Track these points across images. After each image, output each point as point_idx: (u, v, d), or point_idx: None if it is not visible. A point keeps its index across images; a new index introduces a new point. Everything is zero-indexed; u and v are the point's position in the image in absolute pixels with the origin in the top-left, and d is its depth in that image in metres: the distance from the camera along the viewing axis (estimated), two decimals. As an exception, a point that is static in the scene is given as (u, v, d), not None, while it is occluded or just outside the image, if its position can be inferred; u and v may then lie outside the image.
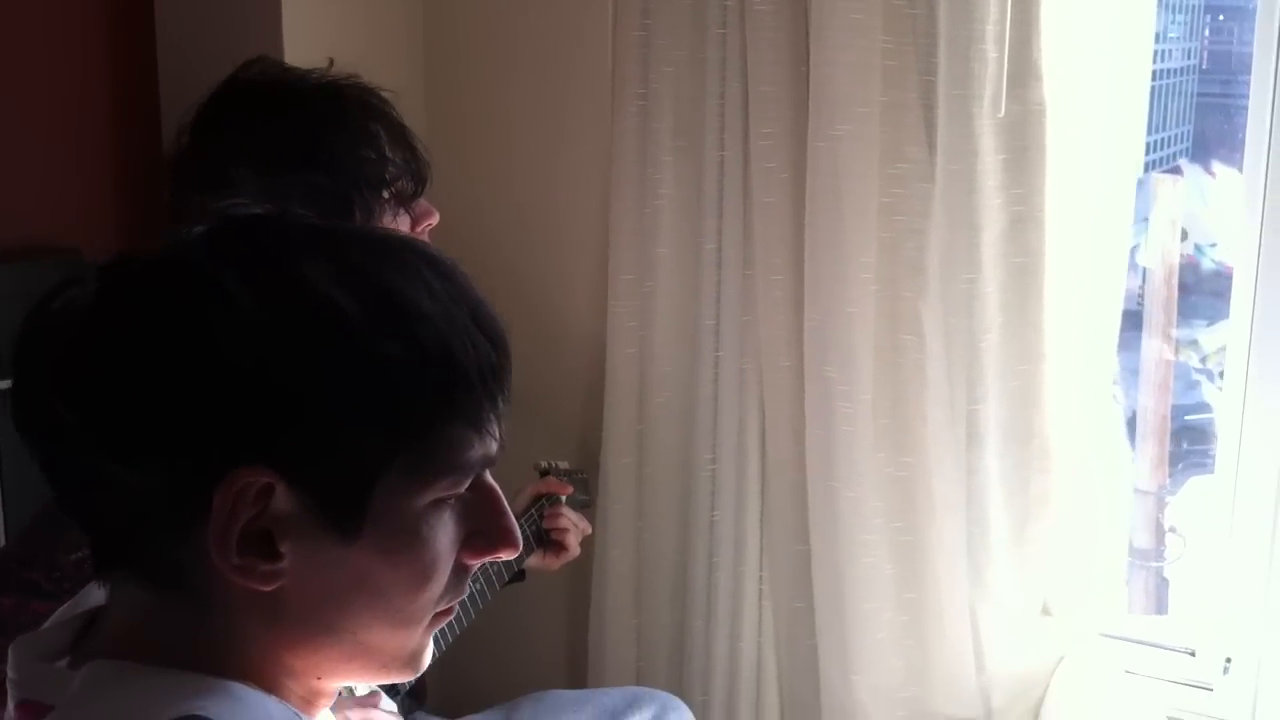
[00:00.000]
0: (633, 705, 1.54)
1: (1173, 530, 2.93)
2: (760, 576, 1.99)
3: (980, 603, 1.87)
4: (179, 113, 1.86)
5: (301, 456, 0.71)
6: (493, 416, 0.76)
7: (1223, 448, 1.86)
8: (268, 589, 0.73)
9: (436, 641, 0.83)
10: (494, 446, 0.77)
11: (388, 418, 0.72)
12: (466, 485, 0.77)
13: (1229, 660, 1.89)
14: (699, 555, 1.99)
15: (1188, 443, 3.25)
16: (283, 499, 0.71)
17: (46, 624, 0.87)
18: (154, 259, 0.75)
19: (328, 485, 0.72)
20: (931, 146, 1.73)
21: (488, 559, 0.80)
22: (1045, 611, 1.93)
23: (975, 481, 1.82)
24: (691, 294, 1.91)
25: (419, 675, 0.82)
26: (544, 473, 1.87)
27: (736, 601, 1.98)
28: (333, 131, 1.39)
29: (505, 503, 0.80)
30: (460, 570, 0.79)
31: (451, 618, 0.83)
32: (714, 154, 1.87)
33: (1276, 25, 1.70)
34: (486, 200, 2.00)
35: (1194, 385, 3.48)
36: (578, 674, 2.08)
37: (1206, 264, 3.39)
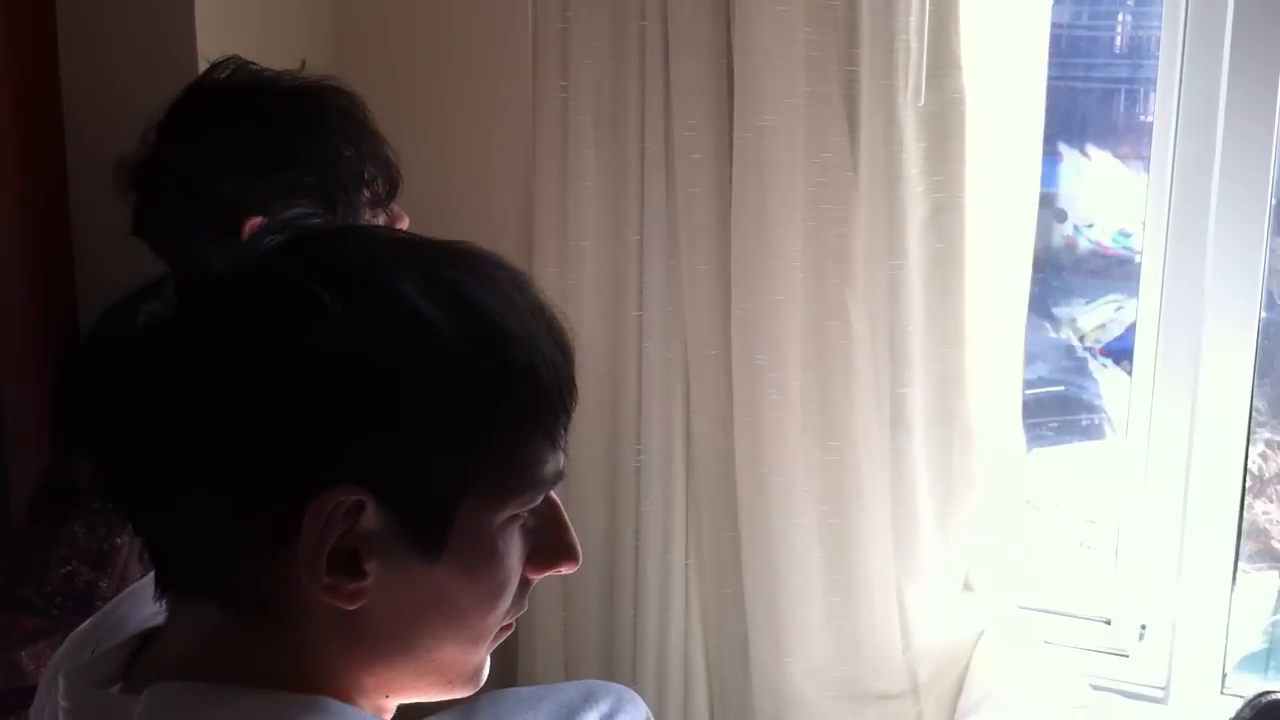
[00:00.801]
0: (588, 700, 1.55)
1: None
2: (687, 565, 2.00)
3: (906, 582, 1.91)
4: (84, 117, 1.83)
5: (392, 473, 0.70)
6: (565, 431, 0.76)
7: (1133, 422, 1.93)
8: (351, 608, 0.72)
9: None
10: (564, 461, 0.77)
11: (476, 433, 0.72)
12: (540, 500, 0.77)
13: (1144, 627, 1.96)
14: (626, 546, 2.00)
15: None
16: (371, 517, 0.71)
17: (64, 647, 0.85)
18: (239, 273, 0.72)
19: (415, 502, 0.72)
20: (853, 136, 1.76)
21: (550, 574, 0.80)
22: (967, 587, 1.98)
23: (901, 464, 1.86)
24: (617, 285, 1.92)
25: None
26: None
27: (664, 591, 1.99)
28: (312, 130, 1.37)
29: (566, 517, 0.80)
30: (524, 586, 0.79)
31: (510, 633, 0.82)
32: (636, 145, 1.87)
33: (1182, 10, 1.76)
34: (406, 197, 1.97)
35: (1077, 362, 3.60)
36: (507, 666, 2.07)
37: (1084, 244, 3.50)
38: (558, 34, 1.85)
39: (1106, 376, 3.59)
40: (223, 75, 1.40)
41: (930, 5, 1.69)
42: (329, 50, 1.92)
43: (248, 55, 1.79)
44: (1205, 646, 1.91)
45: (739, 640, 1.98)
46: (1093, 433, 3.44)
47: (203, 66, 1.72)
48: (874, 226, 1.78)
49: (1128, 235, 3.70)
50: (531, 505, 0.76)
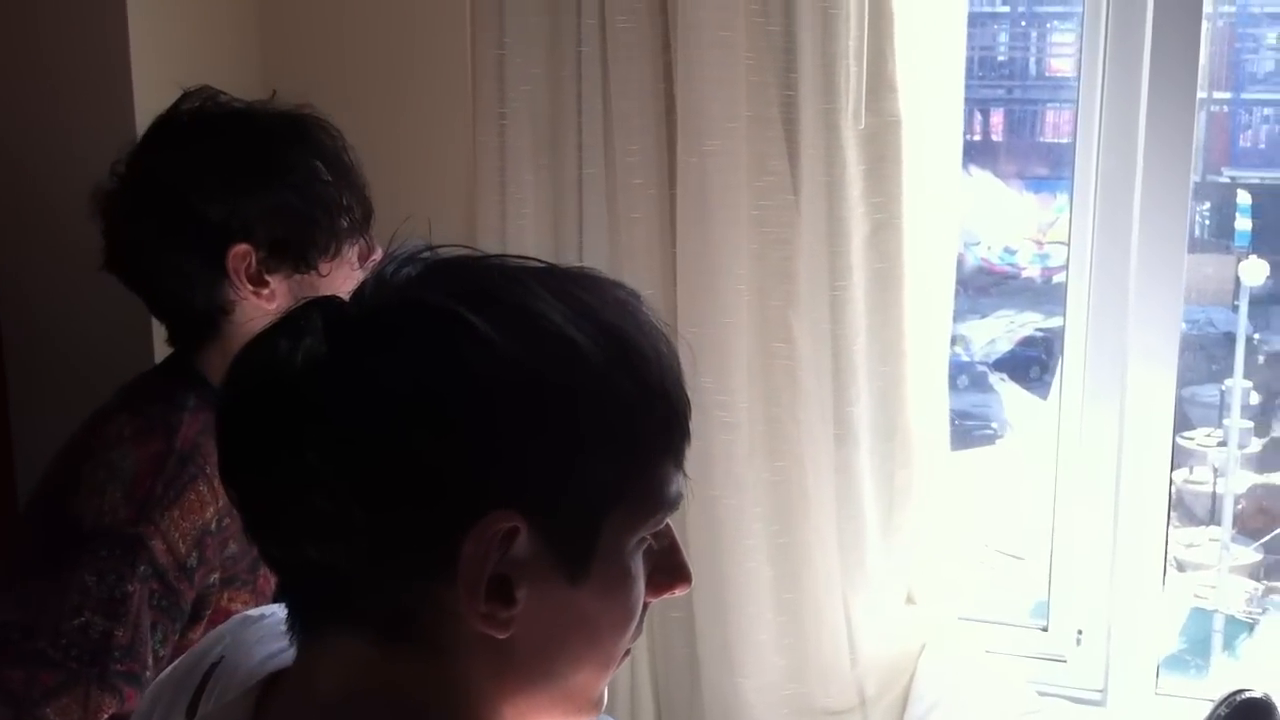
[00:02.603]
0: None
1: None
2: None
3: (853, 596, 1.94)
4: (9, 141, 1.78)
5: (545, 497, 0.71)
6: (686, 451, 0.78)
7: (1064, 433, 1.99)
8: (503, 636, 0.71)
9: None
10: (684, 482, 0.78)
11: (622, 455, 0.72)
12: (664, 523, 0.77)
13: (1080, 632, 2.01)
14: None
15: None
16: (523, 543, 0.71)
17: (147, 703, 0.82)
18: (385, 304, 0.72)
19: (565, 526, 0.72)
20: (793, 159, 1.79)
21: (665, 596, 0.80)
22: (909, 600, 2.02)
23: (846, 479, 1.88)
24: (559, 312, 1.91)
25: None
26: None
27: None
28: (294, 153, 1.35)
29: (679, 539, 0.81)
30: (644, 609, 0.78)
31: (628, 659, 0.82)
32: (574, 172, 1.88)
33: (1101, 34, 1.83)
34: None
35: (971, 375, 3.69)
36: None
37: (971, 261, 3.61)
38: (495, 59, 1.85)
39: (1003, 390, 3.70)
40: (196, 104, 1.37)
41: (869, 29, 1.72)
42: (258, 79, 1.88)
43: (177, 77, 1.77)
44: (1139, 649, 1.97)
45: (688, 662, 1.98)
46: (992, 442, 3.54)
47: (140, 89, 1.71)
48: (815, 247, 1.81)
49: (1013, 252, 3.83)
50: (658, 527, 0.77)
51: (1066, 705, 1.97)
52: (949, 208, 1.91)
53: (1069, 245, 1.95)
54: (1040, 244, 3.66)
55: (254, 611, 0.91)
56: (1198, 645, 2.37)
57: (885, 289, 1.84)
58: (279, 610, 0.85)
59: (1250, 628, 2.65)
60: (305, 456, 0.70)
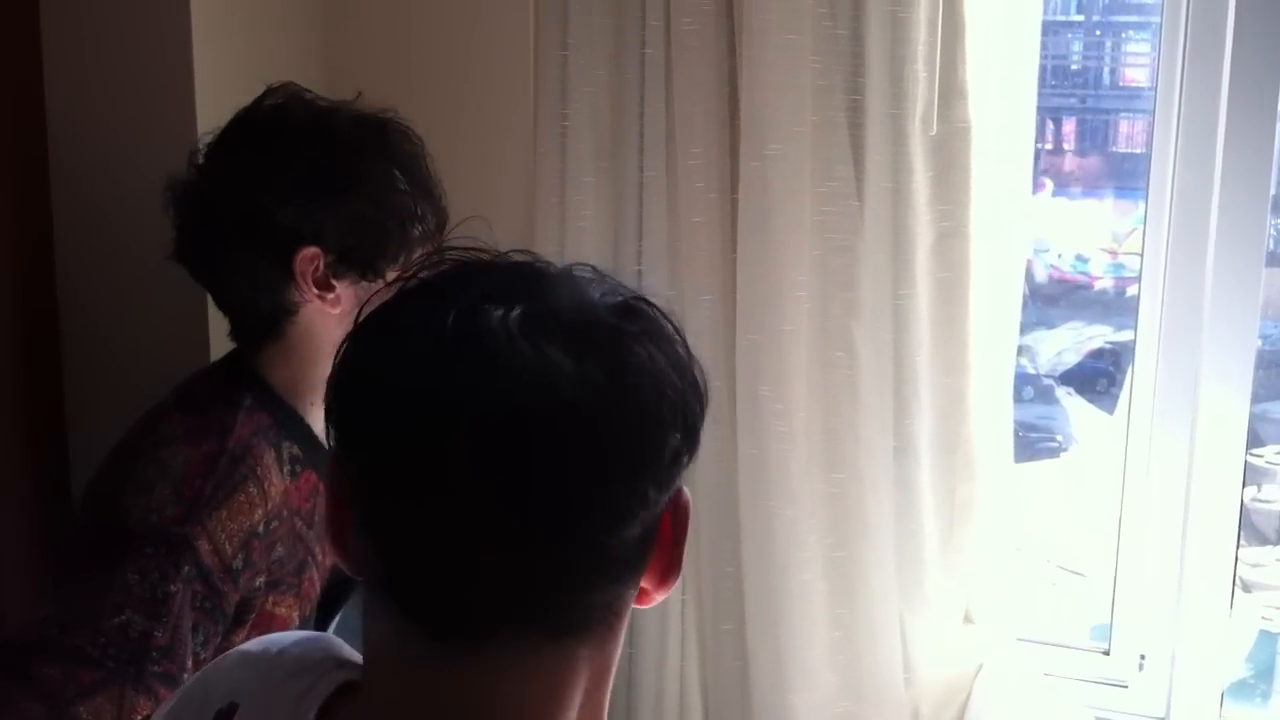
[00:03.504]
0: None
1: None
2: (683, 601, 1.97)
3: (909, 614, 1.90)
4: (71, 127, 1.78)
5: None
6: None
7: (1132, 450, 1.93)
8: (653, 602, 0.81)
9: None
10: None
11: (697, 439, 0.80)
12: None
13: (1143, 657, 1.96)
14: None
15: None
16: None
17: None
18: (572, 320, 0.75)
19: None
20: (858, 164, 1.76)
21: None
22: (967, 619, 1.97)
23: (905, 494, 1.84)
24: (617, 317, 1.89)
25: None
26: None
27: (661, 630, 1.95)
28: (372, 161, 1.33)
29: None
30: None
31: None
32: (635, 175, 1.85)
33: (1180, 43, 1.78)
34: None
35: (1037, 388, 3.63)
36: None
37: (1040, 269, 3.54)
38: (558, 61, 1.83)
39: (1070, 404, 3.63)
40: (279, 100, 1.36)
41: (941, 34, 1.69)
42: (321, 79, 1.87)
43: (239, 80, 1.77)
44: (1204, 675, 1.91)
45: (738, 677, 1.95)
46: (1055, 455, 3.47)
47: (201, 92, 1.70)
48: (879, 255, 1.77)
49: (1085, 260, 3.76)
50: None
51: (1124, 732, 1.92)
52: (1018, 217, 1.87)
53: (1142, 257, 1.90)
54: (1114, 254, 3.60)
55: (251, 647, 0.88)
56: (1264, 671, 2.30)
57: (950, 299, 1.80)
58: (279, 641, 0.87)
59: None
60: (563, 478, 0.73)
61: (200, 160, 1.35)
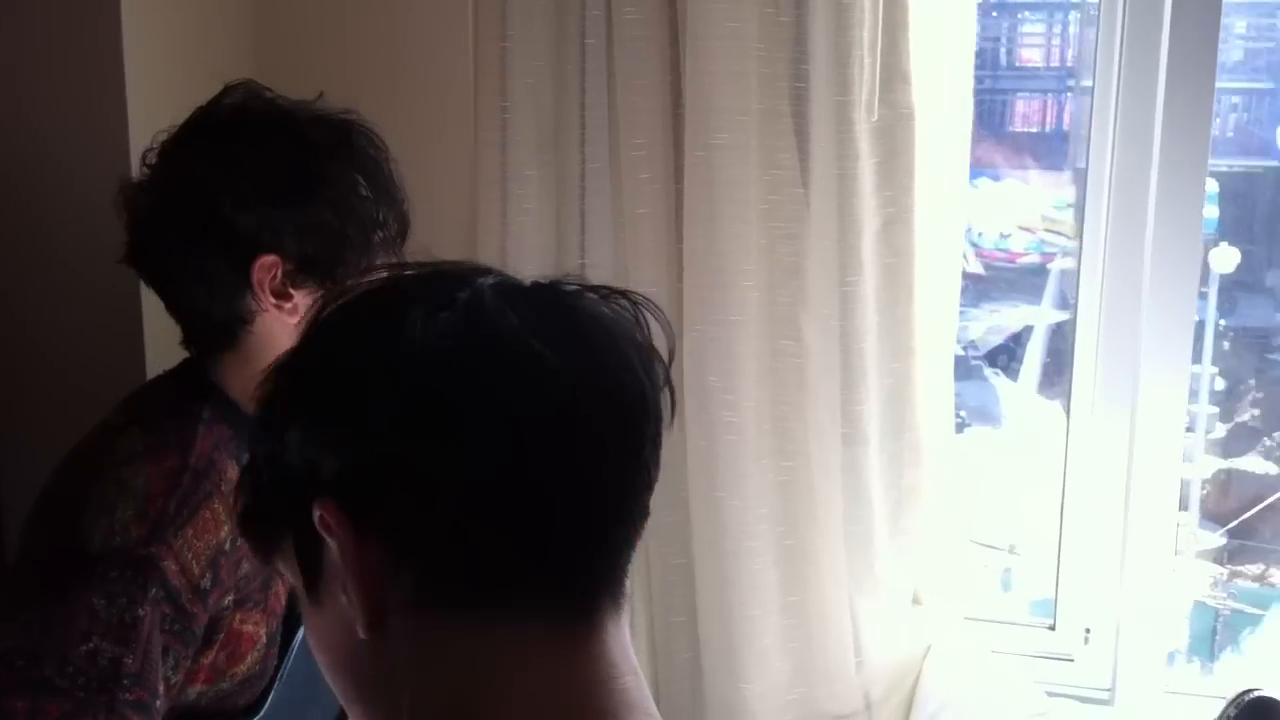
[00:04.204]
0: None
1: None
2: (632, 594, 1.95)
3: (859, 598, 1.91)
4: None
5: None
6: None
7: (1075, 427, 1.96)
8: None
9: None
10: None
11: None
12: None
13: (1088, 631, 1.99)
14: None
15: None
16: None
17: None
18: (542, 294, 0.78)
19: None
20: (803, 152, 1.75)
21: None
22: (916, 601, 1.98)
23: (854, 479, 1.85)
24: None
25: None
26: None
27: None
28: (335, 166, 1.29)
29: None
30: None
31: None
32: (578, 166, 1.83)
33: (1118, 28, 1.80)
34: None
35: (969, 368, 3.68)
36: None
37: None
38: (497, 52, 1.80)
39: (998, 383, 3.68)
40: (239, 99, 1.30)
41: (882, 19, 1.68)
42: (252, 70, 1.82)
43: (171, 71, 1.71)
44: (1147, 647, 1.95)
45: (690, 669, 1.94)
46: (960, 431, 3.52)
47: (132, 92, 1.64)
48: (825, 243, 1.77)
49: (1006, 238, 3.81)
50: None
51: (1075, 705, 1.95)
52: (957, 201, 1.88)
53: (1080, 237, 1.92)
54: (1033, 231, 3.67)
55: None
56: (1201, 641, 2.36)
57: (896, 285, 1.80)
58: None
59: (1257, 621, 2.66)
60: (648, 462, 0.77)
61: (154, 160, 1.29)
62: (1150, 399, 1.87)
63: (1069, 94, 4.63)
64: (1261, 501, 3.33)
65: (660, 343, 0.79)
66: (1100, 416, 1.92)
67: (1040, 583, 2.26)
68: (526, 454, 0.73)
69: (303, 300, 1.28)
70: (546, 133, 1.82)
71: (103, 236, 1.50)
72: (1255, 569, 3.27)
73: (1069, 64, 4.58)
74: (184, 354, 1.36)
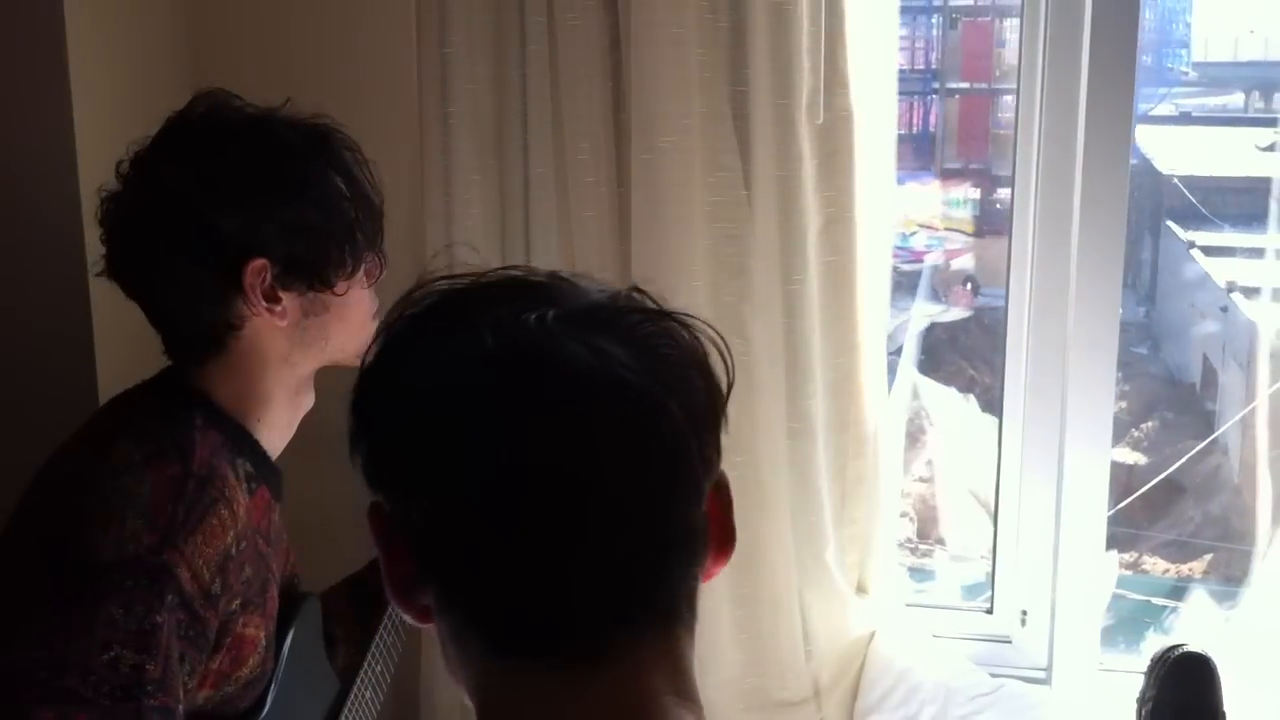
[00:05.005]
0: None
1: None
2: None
3: (807, 588, 1.96)
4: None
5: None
6: None
7: (1008, 419, 2.03)
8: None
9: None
10: None
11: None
12: None
13: (1025, 613, 2.06)
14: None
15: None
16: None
17: None
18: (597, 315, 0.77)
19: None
20: (744, 154, 1.79)
21: None
22: (860, 589, 2.04)
23: (801, 472, 1.90)
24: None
25: None
26: None
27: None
28: (314, 167, 1.29)
29: None
30: None
31: None
32: (521, 172, 1.85)
33: (1041, 31, 1.86)
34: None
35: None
36: (408, 698, 2.01)
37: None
38: (438, 58, 1.81)
39: (914, 379, 3.76)
40: (210, 107, 1.30)
41: (824, 24, 1.73)
42: (194, 76, 1.82)
43: (117, 79, 1.70)
44: (1081, 627, 2.02)
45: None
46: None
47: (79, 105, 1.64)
48: (769, 243, 1.82)
49: (908, 237, 3.90)
50: None
51: (1016, 685, 2.01)
52: (888, 200, 1.94)
53: (1010, 235, 1.99)
54: (934, 229, 3.76)
55: None
56: (1125, 621, 2.45)
57: (838, 282, 1.85)
58: None
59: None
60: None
61: (129, 171, 1.29)
62: (1079, 386, 1.94)
63: (934, 96, 4.76)
64: (1133, 492, 3.45)
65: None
66: (1031, 405, 1.99)
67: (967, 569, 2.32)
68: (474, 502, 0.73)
69: (291, 304, 1.29)
70: (491, 138, 1.84)
71: (51, 244, 1.50)
72: (1129, 557, 3.38)
73: (933, 66, 4.71)
74: (131, 360, 1.36)
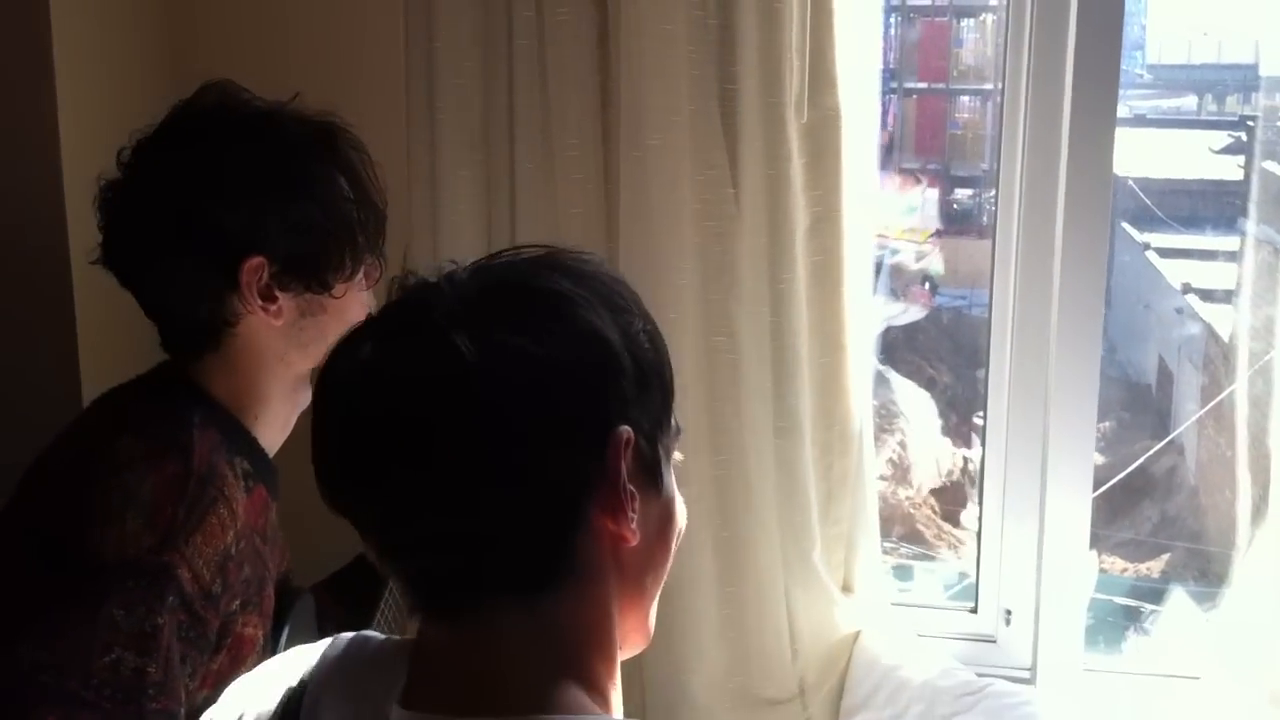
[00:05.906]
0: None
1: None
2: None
3: (793, 587, 1.95)
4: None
5: (644, 413, 0.83)
6: None
7: (992, 417, 2.03)
8: (633, 543, 0.82)
9: None
10: None
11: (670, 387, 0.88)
12: None
13: (1009, 612, 2.06)
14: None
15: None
16: (633, 450, 0.81)
17: None
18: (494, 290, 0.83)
19: (656, 435, 0.85)
20: (732, 152, 1.78)
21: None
22: (846, 588, 2.03)
23: (787, 471, 1.89)
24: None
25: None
26: None
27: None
28: (319, 166, 1.26)
29: None
30: None
31: None
32: (508, 166, 1.84)
33: (1026, 30, 1.87)
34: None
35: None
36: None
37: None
38: (426, 52, 1.80)
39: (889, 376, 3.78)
40: (217, 98, 1.27)
41: (810, 23, 1.73)
42: (182, 71, 1.79)
43: (101, 71, 1.67)
44: (1065, 626, 2.02)
45: (631, 660, 1.95)
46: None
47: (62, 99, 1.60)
48: (756, 241, 1.81)
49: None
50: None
51: (1002, 684, 2.01)
52: (871, 199, 1.93)
53: (994, 238, 1.99)
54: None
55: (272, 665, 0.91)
56: (1103, 621, 2.46)
57: (825, 280, 1.85)
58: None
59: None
60: (461, 445, 0.77)
61: (131, 160, 1.25)
62: (1061, 386, 1.94)
63: (892, 97, 4.79)
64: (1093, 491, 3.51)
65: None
66: (1015, 405, 1.99)
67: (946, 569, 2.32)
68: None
69: (288, 304, 1.26)
70: (478, 133, 1.83)
71: (34, 237, 1.47)
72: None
73: (891, 67, 4.74)
74: (116, 357, 1.33)
